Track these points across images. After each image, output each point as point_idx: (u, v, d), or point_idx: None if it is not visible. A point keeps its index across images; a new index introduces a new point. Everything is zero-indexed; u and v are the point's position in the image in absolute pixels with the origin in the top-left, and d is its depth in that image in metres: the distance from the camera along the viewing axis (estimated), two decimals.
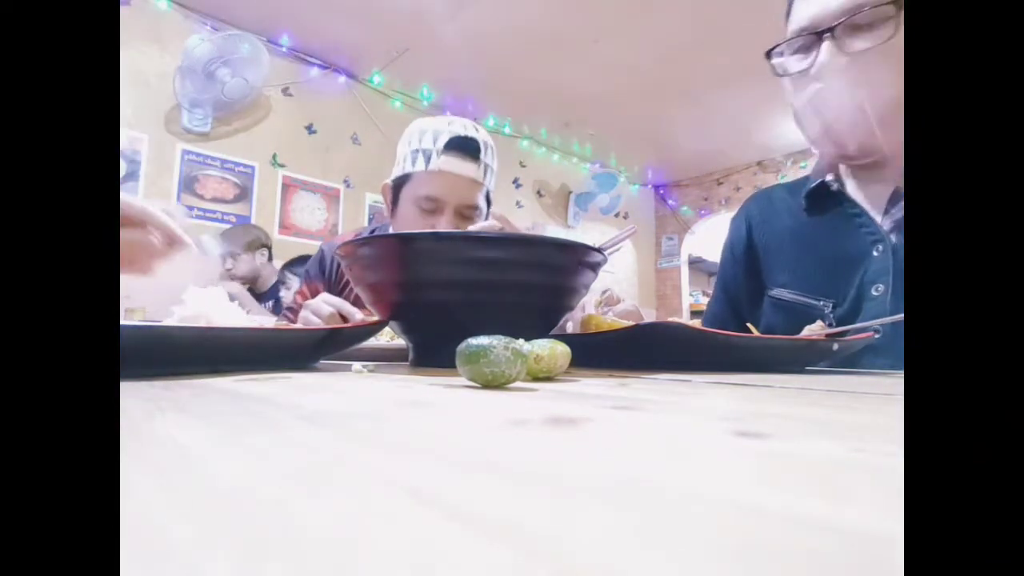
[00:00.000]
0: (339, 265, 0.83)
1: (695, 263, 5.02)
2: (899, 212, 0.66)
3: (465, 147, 0.83)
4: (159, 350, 0.31)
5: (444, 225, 0.83)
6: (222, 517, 0.08)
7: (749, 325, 0.66)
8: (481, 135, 0.86)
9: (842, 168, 0.74)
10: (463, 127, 0.85)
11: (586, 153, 4.11)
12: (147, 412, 0.17)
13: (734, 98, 3.23)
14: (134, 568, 0.06)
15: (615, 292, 0.77)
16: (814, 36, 0.61)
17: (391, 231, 0.93)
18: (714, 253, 5.01)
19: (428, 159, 0.84)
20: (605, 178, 4.09)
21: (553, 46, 2.76)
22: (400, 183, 0.88)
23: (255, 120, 2.68)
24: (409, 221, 0.86)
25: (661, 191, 4.86)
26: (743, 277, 0.83)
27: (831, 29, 0.59)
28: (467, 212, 0.86)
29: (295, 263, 2.16)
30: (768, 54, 0.67)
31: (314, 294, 0.80)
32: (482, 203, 0.88)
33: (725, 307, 0.85)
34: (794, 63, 0.65)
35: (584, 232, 4.16)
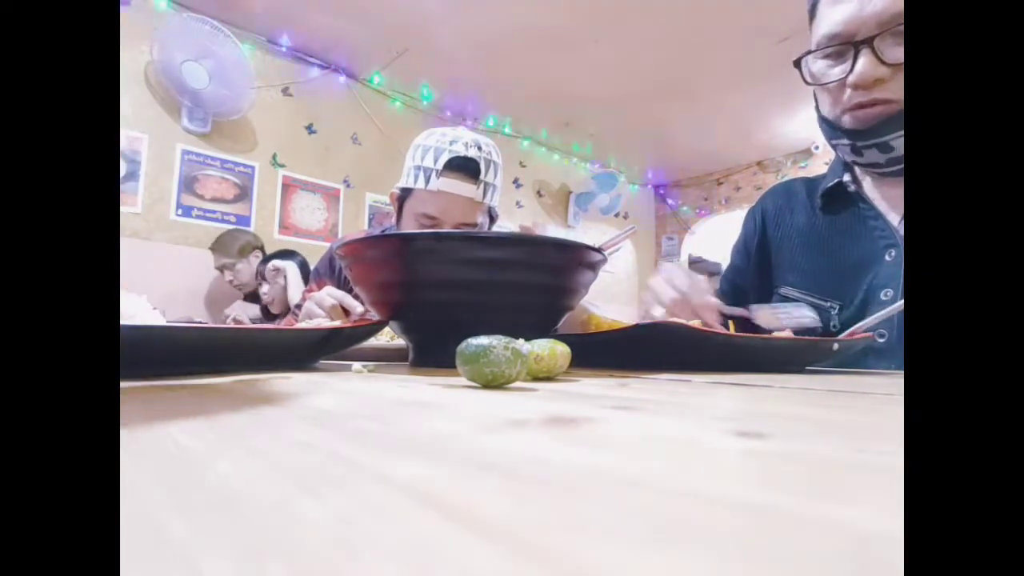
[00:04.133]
0: None
1: (695, 263, 5.01)
2: None
3: (465, 168, 0.85)
4: (159, 350, 0.31)
5: None
6: (222, 517, 0.08)
7: (731, 323, 0.65)
8: (484, 153, 0.87)
9: (859, 169, 0.72)
10: (465, 146, 0.86)
11: (586, 153, 4.11)
12: (147, 412, 0.17)
13: (734, 98, 3.23)
14: (134, 568, 0.06)
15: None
16: (848, 44, 0.58)
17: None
18: (714, 253, 5.02)
19: (428, 178, 0.86)
20: (605, 178, 4.09)
21: (553, 46, 2.76)
22: (404, 195, 0.91)
23: (245, 139, 2.66)
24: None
25: (661, 191, 4.86)
26: (754, 272, 0.82)
27: (870, 40, 0.56)
28: (466, 229, 0.88)
29: (278, 256, 2.08)
30: (797, 63, 0.65)
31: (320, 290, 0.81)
32: (482, 219, 0.91)
33: (730, 300, 0.85)
34: (826, 70, 0.62)
35: (584, 232, 4.15)
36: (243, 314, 2.03)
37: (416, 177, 0.88)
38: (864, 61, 0.57)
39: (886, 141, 0.60)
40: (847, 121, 0.62)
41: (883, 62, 0.56)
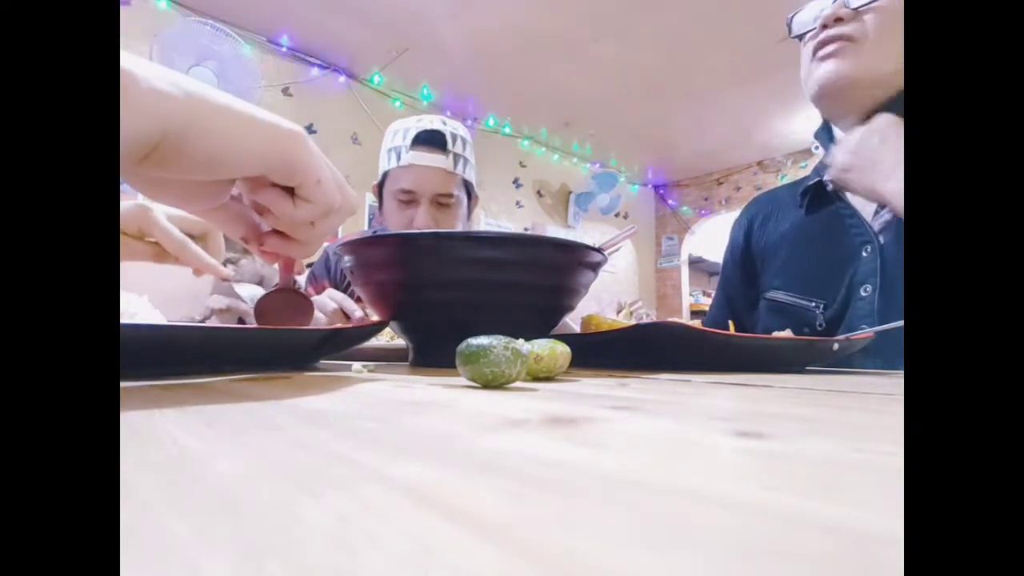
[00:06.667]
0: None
1: (695, 263, 5.02)
2: (888, 213, 0.66)
3: (431, 140, 0.90)
4: (159, 350, 0.31)
5: (422, 214, 0.91)
6: (222, 517, 0.08)
7: (731, 323, 0.66)
8: (449, 128, 0.92)
9: None
10: (430, 122, 0.92)
11: (586, 153, 4.11)
12: (147, 412, 0.17)
13: (734, 98, 3.23)
14: (134, 568, 0.06)
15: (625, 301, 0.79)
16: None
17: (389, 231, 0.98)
18: (714, 253, 5.02)
19: (399, 155, 0.91)
20: (605, 178, 4.09)
21: (553, 46, 2.76)
22: (383, 181, 0.96)
23: None
24: (392, 214, 0.94)
25: (661, 191, 4.86)
26: (741, 280, 0.83)
27: None
28: (443, 200, 0.92)
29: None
30: (789, 20, 0.72)
31: (320, 293, 0.82)
32: (459, 193, 0.94)
33: (726, 311, 0.85)
34: (810, 24, 0.69)
35: (584, 232, 4.16)
36: (233, 304, 2.01)
37: (389, 159, 0.92)
38: (835, 5, 0.66)
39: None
40: (815, 78, 0.68)
41: (846, 5, 0.65)
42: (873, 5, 0.63)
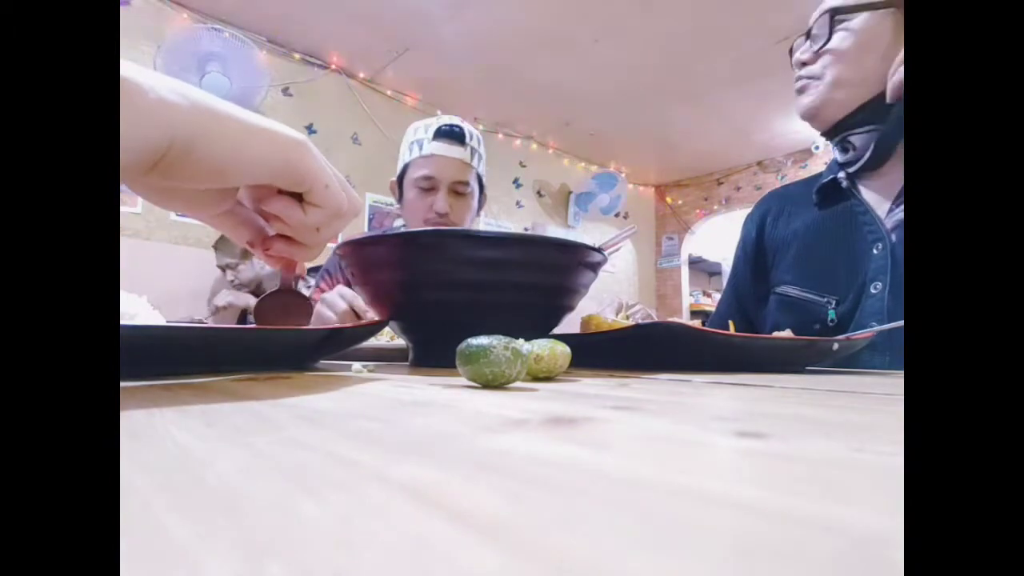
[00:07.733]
0: None
1: (695, 263, 5.01)
2: (901, 212, 0.67)
3: (451, 134, 1.00)
4: (159, 350, 0.31)
5: (440, 199, 1.00)
6: (222, 517, 0.08)
7: (731, 323, 0.66)
8: (467, 126, 1.02)
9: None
10: (450, 119, 1.02)
11: (586, 153, 4.11)
12: (147, 412, 0.17)
13: (734, 98, 3.23)
14: (134, 568, 0.06)
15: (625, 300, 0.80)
16: (803, 36, 0.72)
17: (399, 221, 1.08)
18: (714, 253, 5.02)
19: (421, 146, 1.00)
20: (605, 178, 4.09)
21: (553, 46, 2.76)
22: (402, 175, 1.05)
23: None
24: (412, 202, 1.03)
25: (661, 191, 4.86)
26: (751, 276, 0.83)
27: (809, 30, 0.71)
28: (460, 188, 1.01)
29: (310, 272, 2.14)
30: (790, 49, 0.77)
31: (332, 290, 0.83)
32: (474, 183, 1.04)
33: (734, 308, 0.85)
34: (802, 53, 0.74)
35: (584, 232, 4.16)
36: (237, 300, 2.02)
37: (411, 150, 1.02)
38: (805, 47, 0.72)
39: (843, 138, 0.72)
40: (796, 107, 0.75)
41: (812, 49, 0.71)
42: (828, 47, 0.69)
